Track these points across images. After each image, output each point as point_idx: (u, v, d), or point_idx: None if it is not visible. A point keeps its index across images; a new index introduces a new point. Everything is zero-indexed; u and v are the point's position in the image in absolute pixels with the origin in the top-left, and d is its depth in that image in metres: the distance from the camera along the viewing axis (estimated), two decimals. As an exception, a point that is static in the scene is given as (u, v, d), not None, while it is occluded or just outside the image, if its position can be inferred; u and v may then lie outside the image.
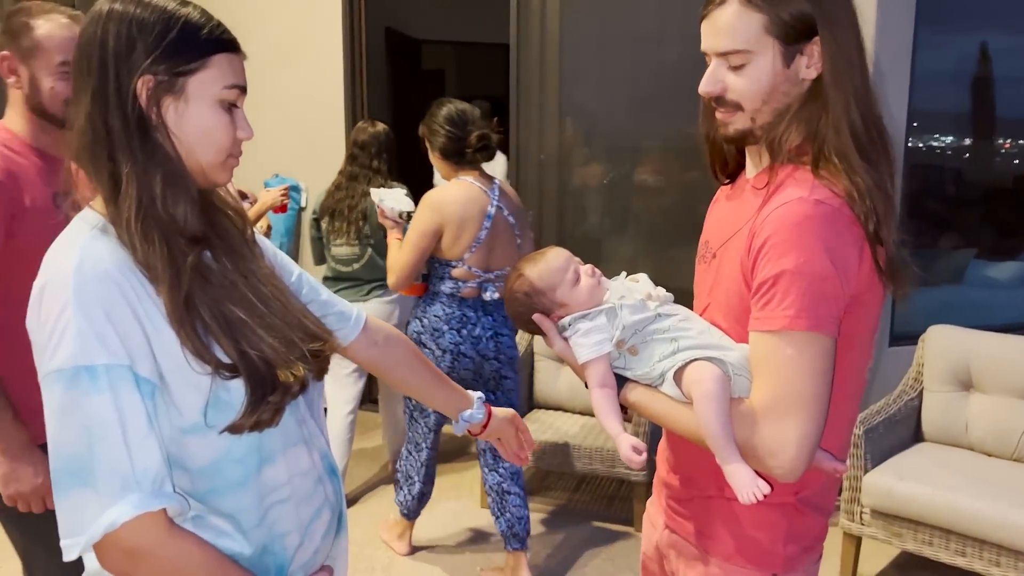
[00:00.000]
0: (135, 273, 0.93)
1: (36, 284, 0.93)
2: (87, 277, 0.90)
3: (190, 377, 0.94)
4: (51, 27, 1.61)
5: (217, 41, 0.99)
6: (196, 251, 0.98)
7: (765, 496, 1.03)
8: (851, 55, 1.08)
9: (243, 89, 1.02)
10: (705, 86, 1.12)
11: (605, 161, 4.02)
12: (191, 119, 0.98)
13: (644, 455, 1.13)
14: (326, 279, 3.32)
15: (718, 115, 1.14)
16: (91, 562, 0.98)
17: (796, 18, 1.06)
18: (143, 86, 0.95)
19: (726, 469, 1.05)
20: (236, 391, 0.95)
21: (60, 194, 1.55)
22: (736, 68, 1.08)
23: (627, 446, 1.13)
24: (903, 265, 1.08)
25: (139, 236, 0.93)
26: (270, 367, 0.98)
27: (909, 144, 3.52)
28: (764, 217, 1.06)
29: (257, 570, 1.00)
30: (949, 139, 4.07)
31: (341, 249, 3.26)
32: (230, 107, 1.01)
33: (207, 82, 0.98)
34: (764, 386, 1.04)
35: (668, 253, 3.89)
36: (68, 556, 0.89)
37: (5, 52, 1.63)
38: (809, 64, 1.08)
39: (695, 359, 1.09)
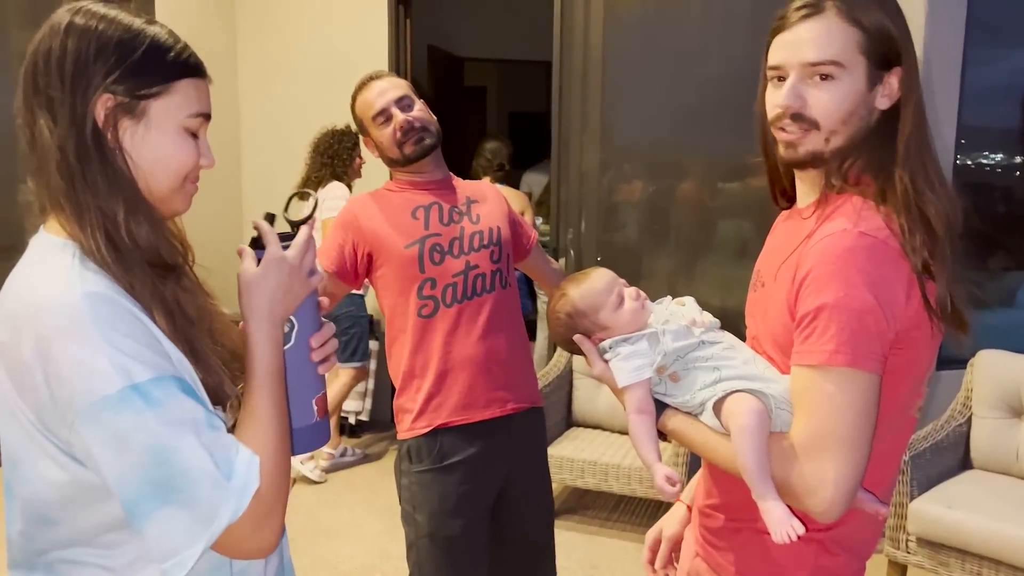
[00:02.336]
0: (129, 300, 0.88)
1: (26, 336, 0.83)
2: (98, 302, 0.84)
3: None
4: (357, 101, 1.93)
5: (184, 65, 0.93)
6: (171, 279, 0.94)
7: (800, 536, 1.01)
8: (921, 91, 1.07)
9: (207, 116, 0.97)
10: (787, 99, 1.07)
11: (646, 177, 4.01)
12: (150, 145, 0.92)
13: (678, 486, 1.12)
14: None
15: (786, 136, 1.09)
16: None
17: (886, 43, 1.05)
18: (101, 106, 0.89)
19: (761, 506, 1.03)
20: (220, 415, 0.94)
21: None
22: (822, 82, 1.06)
23: (662, 476, 1.12)
24: (959, 306, 1.04)
25: (118, 266, 0.88)
26: (233, 397, 0.97)
27: (957, 162, 3.46)
28: (809, 248, 1.04)
29: None
30: (999, 156, 3.98)
31: None
32: (194, 134, 0.96)
33: (171, 108, 0.92)
34: (802, 422, 1.02)
35: (708, 271, 3.87)
36: (177, 574, 0.84)
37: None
38: (884, 93, 1.07)
39: (736, 390, 1.08)
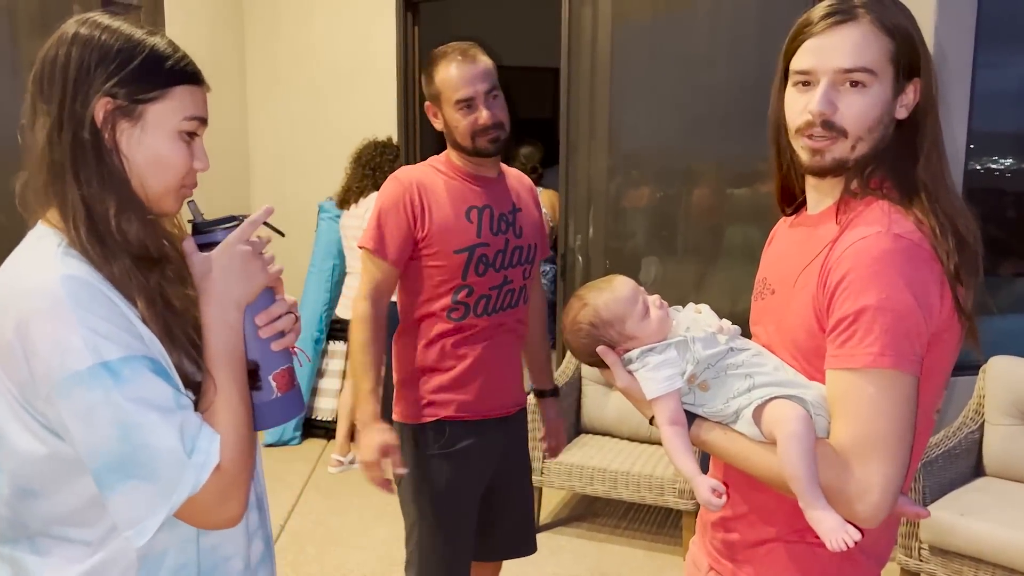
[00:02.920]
0: (108, 286, 0.94)
1: (9, 316, 0.90)
2: (75, 284, 0.89)
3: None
4: (443, 71, 1.84)
5: (181, 72, 0.99)
6: (156, 272, 0.99)
7: (856, 543, 0.98)
8: (937, 101, 1.08)
9: (204, 121, 1.02)
10: (820, 105, 1.06)
11: (654, 183, 4.00)
12: (146, 147, 0.97)
13: (724, 498, 1.08)
14: None
15: (812, 143, 1.08)
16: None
17: (911, 54, 1.06)
18: (100, 108, 0.95)
19: (811, 515, 1.01)
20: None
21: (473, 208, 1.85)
22: (852, 89, 1.05)
23: (706, 488, 1.07)
24: (972, 315, 1.05)
25: (99, 256, 0.93)
26: None
27: (968, 167, 3.44)
28: (840, 252, 1.03)
29: None
30: (1009, 161, 3.96)
31: None
32: (190, 137, 1.01)
33: (167, 112, 0.98)
34: (845, 427, 1.01)
35: (716, 277, 3.85)
36: (138, 542, 0.90)
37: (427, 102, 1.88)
38: (903, 103, 1.08)
39: (774, 397, 1.05)
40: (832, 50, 1.06)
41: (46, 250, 0.94)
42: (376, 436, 1.78)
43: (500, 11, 6.81)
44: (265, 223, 1.05)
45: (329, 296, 4.31)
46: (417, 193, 1.82)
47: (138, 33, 0.98)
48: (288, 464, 4.05)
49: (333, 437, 4.33)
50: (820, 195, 1.15)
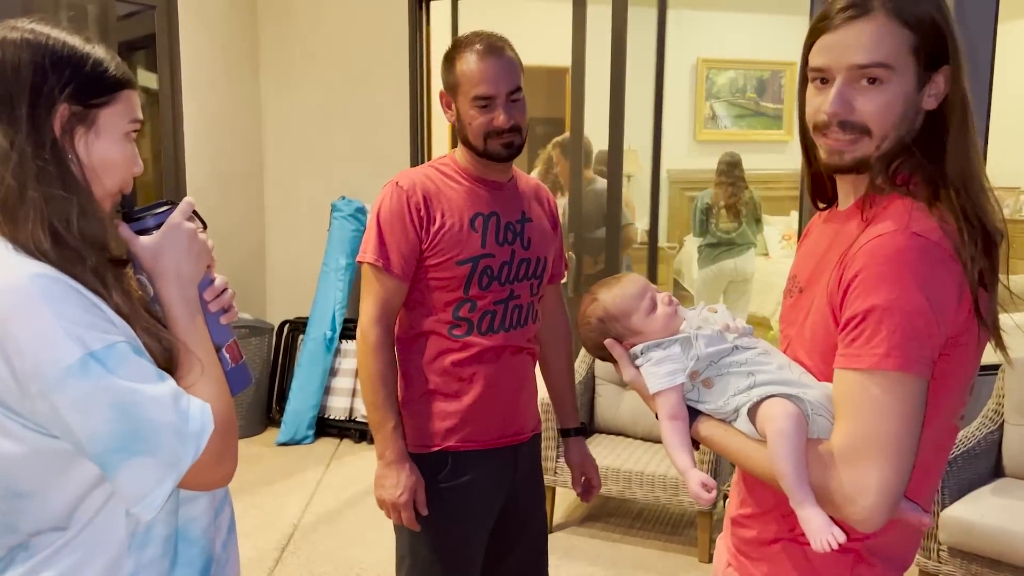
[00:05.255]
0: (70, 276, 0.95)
1: None
2: (45, 281, 0.91)
3: None
4: (465, 61, 1.68)
5: (124, 76, 1.02)
6: (119, 273, 1.01)
7: (840, 544, 0.98)
8: (967, 89, 1.04)
9: (141, 123, 1.06)
10: (834, 106, 1.03)
11: (662, 185, 3.99)
12: (100, 150, 1.00)
13: (714, 492, 1.10)
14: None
15: (832, 143, 1.05)
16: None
17: (937, 41, 1.02)
18: (59, 116, 0.96)
19: (800, 514, 1.00)
20: None
21: (479, 216, 1.71)
22: (870, 86, 1.02)
23: (697, 483, 1.10)
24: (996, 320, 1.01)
25: (57, 258, 0.94)
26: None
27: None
28: (857, 249, 1.01)
29: (183, 559, 1.05)
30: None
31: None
32: (132, 140, 1.04)
33: (116, 115, 1.01)
34: (845, 427, 0.99)
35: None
36: (146, 515, 0.94)
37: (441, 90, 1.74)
38: (931, 93, 1.04)
39: (771, 395, 1.05)
40: (846, 46, 1.02)
41: (4, 252, 0.94)
42: (405, 477, 1.68)
43: (512, 8, 6.79)
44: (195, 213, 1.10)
45: (342, 295, 4.31)
46: (421, 199, 1.68)
47: (78, 41, 0.99)
48: (301, 463, 4.06)
49: (346, 436, 4.33)
50: (848, 189, 1.13)
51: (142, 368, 0.94)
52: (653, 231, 4.20)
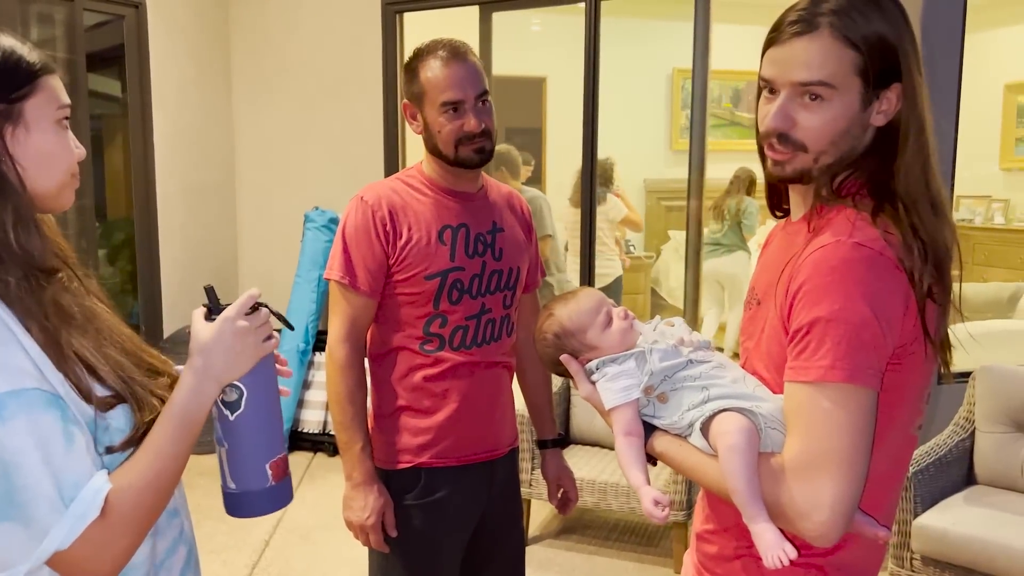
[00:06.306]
0: (1, 307, 0.90)
1: None
2: None
3: (78, 406, 0.93)
4: (430, 68, 1.65)
5: (42, 63, 0.96)
6: (54, 283, 0.96)
7: (792, 560, 0.96)
8: (924, 106, 1.03)
9: (70, 107, 1.00)
10: (773, 121, 1.03)
11: (640, 194, 3.99)
12: (34, 145, 0.95)
13: (667, 511, 1.09)
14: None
15: (773, 154, 1.06)
16: None
17: (885, 59, 1.01)
18: None
19: (752, 529, 0.99)
20: (116, 417, 0.96)
21: (447, 228, 1.68)
22: (812, 103, 1.02)
23: (649, 499, 1.08)
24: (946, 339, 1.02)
25: None
26: (143, 388, 1.00)
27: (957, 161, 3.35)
28: (802, 260, 1.01)
29: None
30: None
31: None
32: (64, 126, 0.99)
33: (42, 105, 0.95)
34: (797, 442, 0.98)
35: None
36: None
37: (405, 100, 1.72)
38: (880, 110, 1.03)
39: (724, 409, 1.04)
40: (790, 62, 1.02)
41: None
42: (374, 499, 1.66)
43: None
44: (276, 314, 1.06)
45: (315, 307, 4.27)
46: (387, 213, 1.65)
47: None
48: (274, 477, 4.00)
49: (320, 450, 4.28)
50: (798, 200, 1.13)
51: (45, 426, 0.87)
52: (586, 251, 4.08)
